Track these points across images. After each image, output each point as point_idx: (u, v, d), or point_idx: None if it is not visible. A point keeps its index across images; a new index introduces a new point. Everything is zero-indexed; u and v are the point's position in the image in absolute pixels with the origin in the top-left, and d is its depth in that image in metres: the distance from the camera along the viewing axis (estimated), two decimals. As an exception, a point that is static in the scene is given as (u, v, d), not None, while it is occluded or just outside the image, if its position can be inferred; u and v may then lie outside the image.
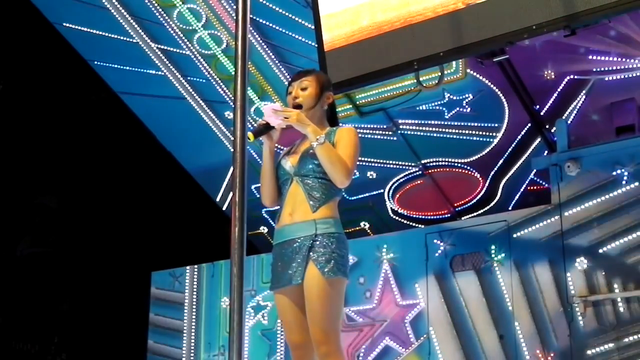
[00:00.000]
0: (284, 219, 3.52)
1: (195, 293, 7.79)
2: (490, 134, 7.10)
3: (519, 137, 7.02)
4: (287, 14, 7.09)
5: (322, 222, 3.43)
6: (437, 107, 7.12)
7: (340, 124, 3.75)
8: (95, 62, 7.92)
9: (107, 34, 7.65)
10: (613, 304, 5.56)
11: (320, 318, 3.33)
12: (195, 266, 7.87)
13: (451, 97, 6.98)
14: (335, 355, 3.33)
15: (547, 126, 6.74)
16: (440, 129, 7.23)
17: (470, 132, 7.15)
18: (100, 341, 9.99)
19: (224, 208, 8.41)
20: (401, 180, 7.69)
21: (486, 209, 7.34)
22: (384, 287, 6.63)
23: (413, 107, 7.18)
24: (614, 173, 5.71)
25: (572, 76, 6.57)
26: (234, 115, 3.25)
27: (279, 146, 3.70)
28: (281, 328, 7.04)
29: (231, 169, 3.22)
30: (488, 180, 7.35)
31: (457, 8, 5.55)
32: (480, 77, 6.82)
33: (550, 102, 6.71)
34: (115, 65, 7.86)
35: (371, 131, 7.41)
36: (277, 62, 7.42)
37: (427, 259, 6.45)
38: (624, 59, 6.29)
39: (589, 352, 5.59)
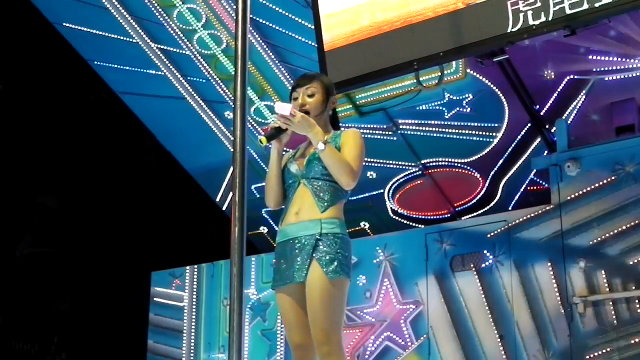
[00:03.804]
0: (289, 218, 3.52)
1: (195, 293, 7.78)
2: (490, 134, 7.10)
3: (519, 137, 7.02)
4: (287, 14, 7.09)
5: (328, 222, 3.44)
6: (437, 107, 7.12)
7: (342, 126, 3.76)
8: (95, 62, 7.92)
9: (107, 34, 7.65)
10: (613, 304, 5.56)
11: (322, 318, 3.33)
12: (195, 266, 7.87)
13: (451, 97, 6.97)
14: (337, 355, 3.33)
15: (547, 126, 6.74)
16: (440, 129, 7.23)
17: (470, 132, 7.15)
18: (100, 341, 10.00)
19: (224, 208, 8.41)
20: (401, 180, 7.69)
21: (486, 209, 7.34)
22: (384, 287, 6.63)
23: (413, 107, 7.18)
24: (614, 173, 5.71)
25: (572, 76, 6.57)
26: (234, 115, 3.26)
27: (285, 148, 3.70)
28: (281, 328, 7.04)
29: (231, 169, 3.22)
30: (488, 180, 7.35)
31: (457, 8, 5.56)
32: (480, 77, 6.82)
33: (550, 102, 6.71)
34: (115, 65, 7.86)
35: (371, 131, 7.41)
36: (277, 62, 7.42)
37: (427, 259, 6.45)
38: (624, 59, 6.29)
39: (589, 352, 5.58)
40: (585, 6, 5.06)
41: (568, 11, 5.09)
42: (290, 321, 3.49)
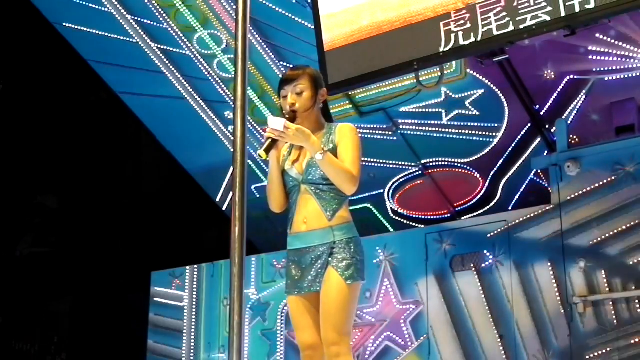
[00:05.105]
0: (298, 226, 3.51)
1: (195, 293, 7.78)
2: (490, 134, 7.10)
3: (519, 137, 7.02)
4: (287, 14, 7.09)
5: (339, 228, 3.45)
6: (437, 107, 7.12)
7: (335, 122, 3.72)
8: (95, 62, 7.91)
9: (107, 34, 7.65)
10: (613, 304, 5.56)
11: (335, 320, 3.35)
12: (195, 266, 7.87)
13: (451, 97, 6.97)
14: (346, 356, 3.34)
15: (547, 126, 6.74)
16: (440, 129, 7.23)
17: (470, 132, 7.14)
18: (100, 341, 10.00)
19: (224, 208, 8.41)
20: (401, 180, 7.69)
21: (486, 209, 7.33)
22: (384, 287, 6.63)
23: (413, 107, 7.18)
24: (614, 173, 5.71)
25: (572, 76, 6.57)
26: (234, 115, 3.25)
27: None
28: (281, 328, 7.04)
29: (231, 169, 3.22)
30: (488, 180, 7.34)
31: (457, 8, 5.55)
32: (480, 77, 6.82)
33: (550, 102, 6.71)
34: (115, 65, 7.86)
35: (371, 131, 7.41)
36: (277, 62, 7.42)
37: (427, 259, 6.44)
38: (624, 59, 6.29)
39: (589, 352, 5.58)
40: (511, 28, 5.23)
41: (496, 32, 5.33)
42: (303, 323, 3.49)
